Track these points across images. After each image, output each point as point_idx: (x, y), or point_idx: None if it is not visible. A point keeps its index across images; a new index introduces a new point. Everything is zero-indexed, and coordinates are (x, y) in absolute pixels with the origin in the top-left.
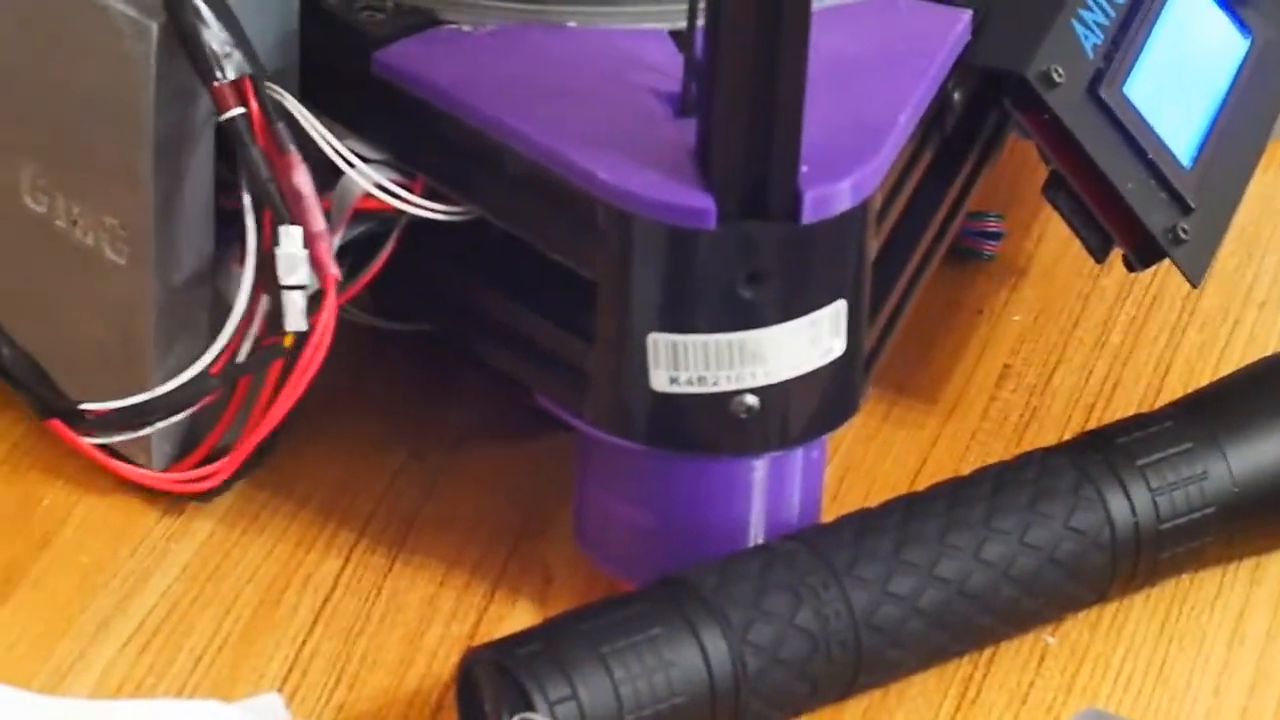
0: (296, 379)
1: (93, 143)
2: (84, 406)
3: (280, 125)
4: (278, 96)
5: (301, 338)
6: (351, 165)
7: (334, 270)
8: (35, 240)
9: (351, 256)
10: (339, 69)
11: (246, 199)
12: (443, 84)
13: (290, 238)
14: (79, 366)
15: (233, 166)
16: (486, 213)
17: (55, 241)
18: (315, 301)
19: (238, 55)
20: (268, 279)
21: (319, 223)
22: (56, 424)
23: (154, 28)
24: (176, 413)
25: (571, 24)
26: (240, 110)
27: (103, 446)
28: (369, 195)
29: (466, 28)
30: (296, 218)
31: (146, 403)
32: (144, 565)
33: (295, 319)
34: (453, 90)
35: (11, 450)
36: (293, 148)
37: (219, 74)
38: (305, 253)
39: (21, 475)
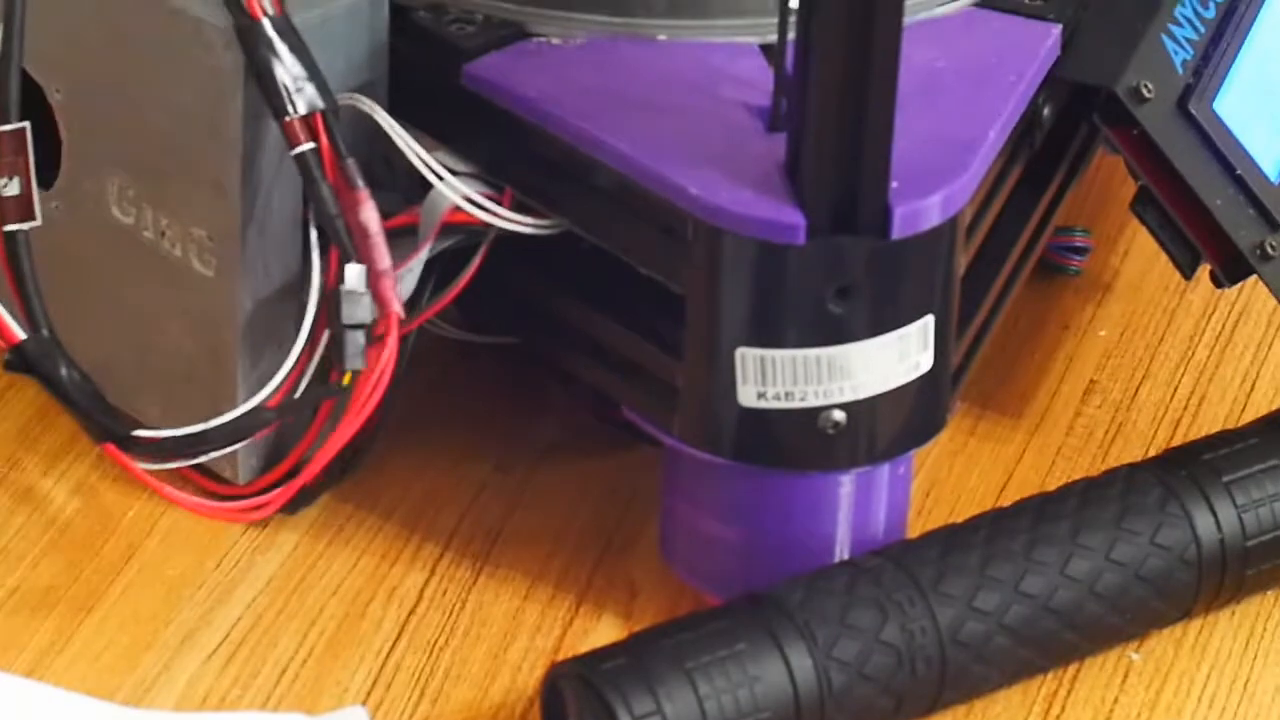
0: (354, 412)
1: (182, 154)
2: (137, 433)
3: (350, 161)
4: (369, 109)
5: (357, 374)
6: (441, 178)
7: (397, 308)
8: (123, 251)
9: (440, 269)
10: (429, 81)
11: (313, 233)
12: (532, 96)
13: (354, 275)
14: (165, 378)
15: None
16: (575, 226)
17: (143, 253)
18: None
19: (310, 89)
20: (331, 314)
21: (384, 260)
22: (110, 448)
23: None
24: (232, 444)
25: (661, 37)
26: (310, 146)
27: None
28: (458, 208)
29: (555, 40)
30: (362, 255)
31: (201, 433)
32: (229, 578)
33: (354, 358)
34: (542, 103)
35: (97, 462)
36: (361, 183)
37: (290, 109)
38: (368, 291)
39: (107, 488)
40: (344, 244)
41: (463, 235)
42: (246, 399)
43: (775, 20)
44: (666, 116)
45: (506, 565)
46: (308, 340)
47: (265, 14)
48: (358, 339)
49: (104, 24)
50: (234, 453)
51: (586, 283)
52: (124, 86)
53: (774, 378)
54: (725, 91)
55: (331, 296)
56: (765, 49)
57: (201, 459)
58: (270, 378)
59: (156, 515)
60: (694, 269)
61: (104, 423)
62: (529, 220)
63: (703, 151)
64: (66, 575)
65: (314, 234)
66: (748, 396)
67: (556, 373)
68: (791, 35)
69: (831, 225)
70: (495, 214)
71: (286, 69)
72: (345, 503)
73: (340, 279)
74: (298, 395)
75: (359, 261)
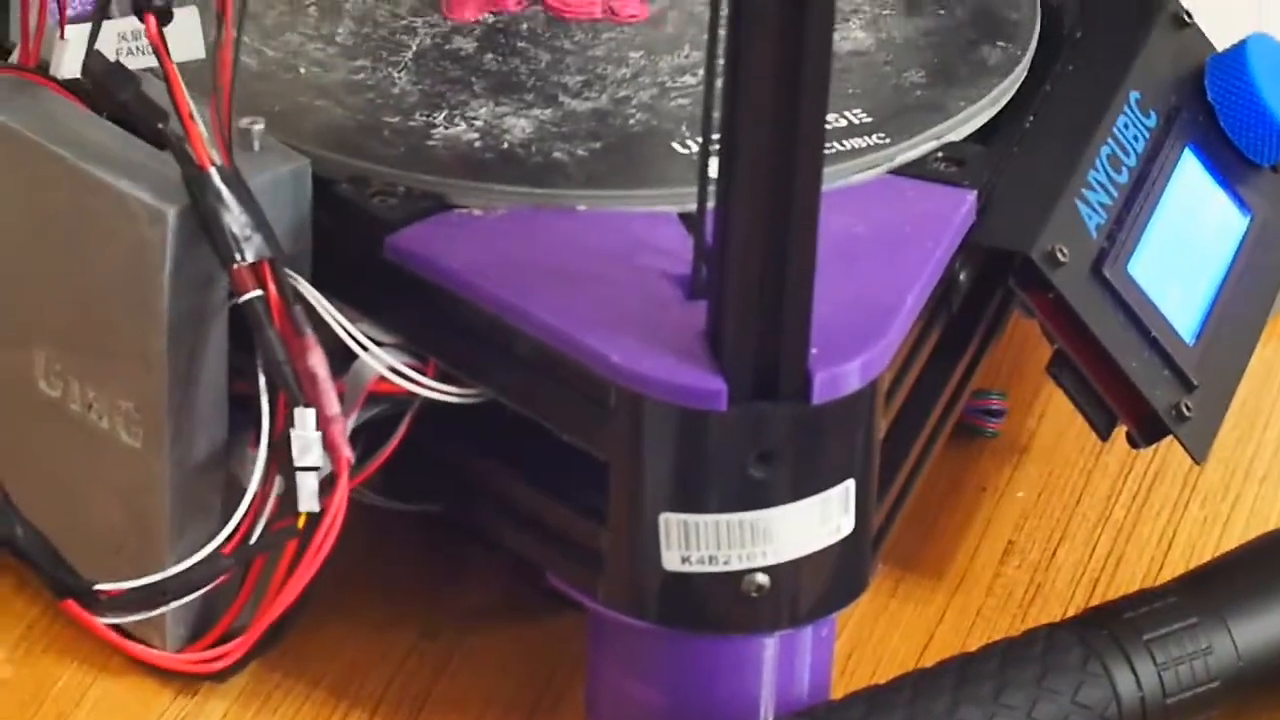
0: (309, 561)
1: (108, 328)
2: (99, 587)
3: (298, 308)
4: (292, 281)
5: (314, 519)
6: (365, 349)
7: (347, 453)
8: (49, 424)
9: (364, 438)
10: (351, 254)
11: (262, 380)
12: (454, 268)
13: (305, 420)
14: (94, 548)
15: (246, 351)
16: (498, 395)
17: (69, 425)
18: (328, 484)
19: (257, 238)
20: (281, 460)
21: (333, 406)
22: (71, 605)
23: (170, 214)
24: (191, 592)
25: (581, 207)
26: (258, 293)
27: (117, 628)
28: (382, 379)
29: (477, 212)
30: (311, 400)
31: (160, 583)
32: None
33: (308, 500)
34: (464, 274)
35: (27, 632)
36: (309, 330)
37: (239, 256)
38: (319, 435)
39: (37, 657)
40: (293, 390)
41: (388, 405)
42: (172, 566)
43: (694, 189)
44: (588, 285)
45: None
46: (259, 490)
47: (213, 164)
48: (310, 481)
49: (27, 197)
50: (162, 620)
51: (510, 450)
52: (50, 260)
53: (697, 542)
54: (645, 260)
55: (283, 441)
56: (685, 217)
57: (162, 610)
58: (199, 547)
59: (86, 684)
60: (616, 436)
61: (64, 579)
62: (453, 390)
63: (624, 319)
64: None
65: (262, 381)
66: (672, 561)
67: (481, 539)
68: (711, 204)
69: (753, 391)
70: (419, 384)
71: (234, 217)
72: (273, 671)
73: (290, 423)
74: (252, 542)
75: (307, 406)
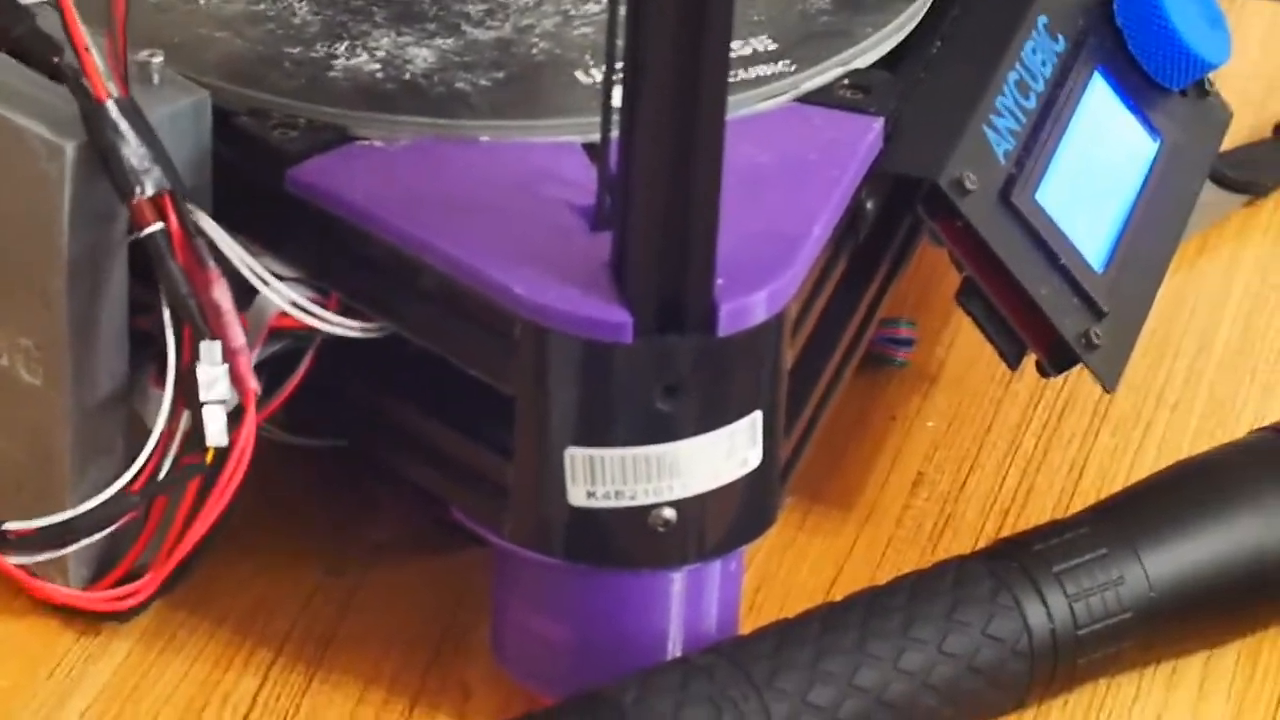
0: (217, 496)
1: (6, 264)
2: (6, 527)
3: (199, 240)
4: (194, 215)
5: (221, 454)
6: (266, 283)
7: (254, 385)
8: None
9: (267, 373)
10: (252, 186)
11: (166, 314)
12: (356, 200)
13: (210, 353)
14: None
15: (147, 286)
16: (402, 329)
17: None
18: (234, 418)
19: (156, 171)
20: (188, 394)
21: (239, 338)
22: None
23: (69, 148)
24: (99, 530)
25: (484, 138)
26: (159, 226)
27: (20, 568)
28: (284, 313)
29: (379, 143)
30: (216, 332)
31: (69, 521)
32: (62, 687)
33: (216, 434)
34: (366, 206)
35: None
36: (212, 263)
37: (138, 189)
38: (225, 368)
39: None
40: (197, 322)
41: (290, 340)
42: (75, 505)
43: (598, 119)
44: (491, 217)
45: (340, 669)
46: (165, 425)
47: (110, 96)
48: (218, 415)
49: None
50: (64, 561)
51: (415, 385)
52: None
53: (603, 477)
54: (549, 191)
55: (189, 375)
56: (589, 148)
57: (71, 548)
58: (102, 486)
59: None
60: (521, 369)
61: None
62: (355, 324)
63: (528, 251)
64: None
65: (166, 315)
66: (578, 496)
67: (386, 475)
68: (615, 134)
69: (658, 324)
70: (321, 319)
71: (133, 150)
72: (177, 610)
73: (195, 356)
74: (160, 479)
75: (212, 339)
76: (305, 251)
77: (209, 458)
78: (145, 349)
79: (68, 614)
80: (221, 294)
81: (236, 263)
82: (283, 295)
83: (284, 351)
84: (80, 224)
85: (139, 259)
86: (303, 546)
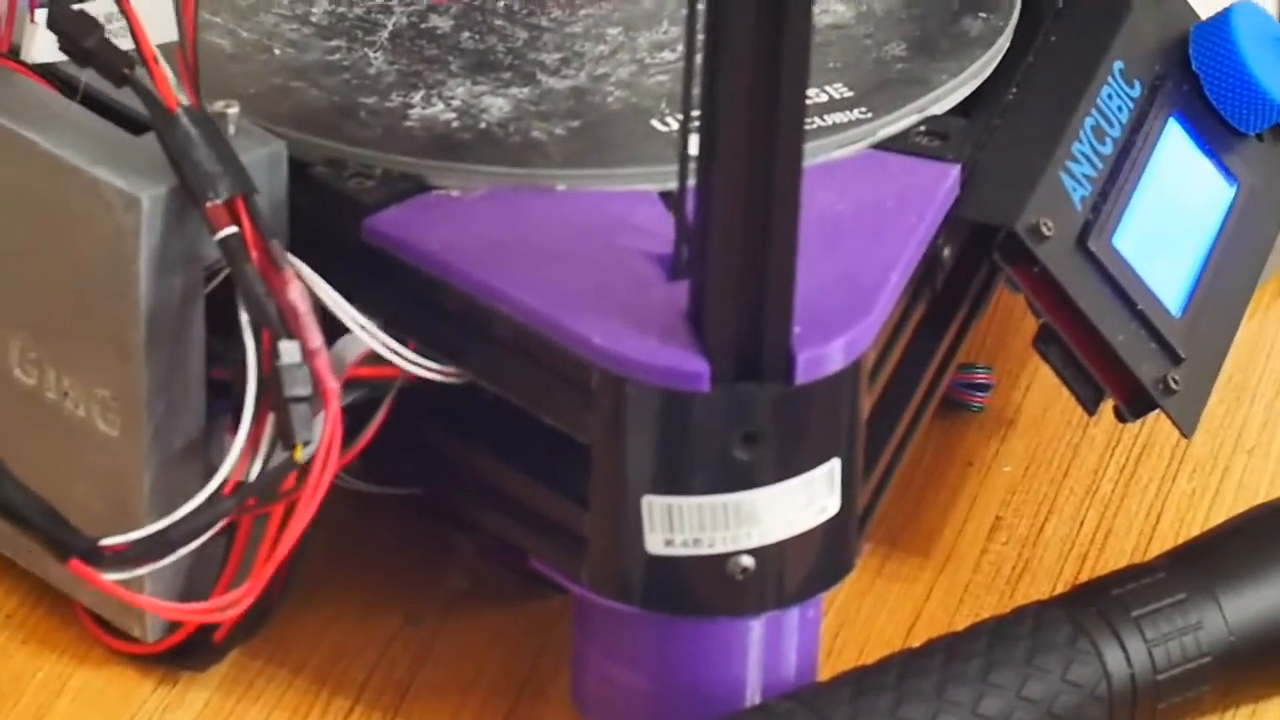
0: (308, 497)
1: (83, 315)
2: (104, 543)
3: (275, 242)
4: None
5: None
6: (362, 327)
7: (333, 384)
8: (26, 413)
9: (345, 424)
10: (328, 236)
11: (244, 317)
12: (432, 249)
13: (290, 353)
14: None
15: (223, 337)
16: (478, 378)
17: (46, 414)
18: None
19: (229, 175)
20: (272, 396)
21: (316, 338)
22: (76, 564)
23: (145, 199)
24: (195, 538)
25: (561, 187)
26: (234, 229)
27: (97, 620)
28: (362, 361)
29: (455, 193)
30: (294, 333)
31: (165, 530)
32: None
33: (304, 430)
34: (442, 255)
35: (5, 623)
36: (287, 264)
37: (211, 194)
38: (305, 364)
39: (16, 649)
40: (274, 322)
41: (366, 389)
42: None
43: (675, 167)
44: (568, 266)
45: (418, 717)
46: (250, 429)
47: (180, 104)
48: (304, 410)
49: (2, 184)
50: (141, 613)
51: (491, 434)
52: (24, 247)
53: (681, 525)
54: (626, 240)
55: (271, 375)
56: (665, 196)
57: (168, 560)
58: None
59: (66, 676)
60: (598, 419)
61: (66, 539)
62: (439, 367)
63: (605, 301)
64: None
65: (244, 318)
66: (655, 544)
67: (462, 524)
68: (692, 182)
69: (735, 372)
70: (409, 360)
71: (204, 155)
72: (254, 659)
73: (276, 356)
74: (251, 480)
75: (290, 339)
76: (381, 301)
77: (298, 454)
78: (222, 399)
79: (145, 665)
80: (298, 295)
81: (331, 306)
82: (377, 337)
83: (360, 401)
84: (157, 275)
85: (215, 308)
86: (380, 595)
